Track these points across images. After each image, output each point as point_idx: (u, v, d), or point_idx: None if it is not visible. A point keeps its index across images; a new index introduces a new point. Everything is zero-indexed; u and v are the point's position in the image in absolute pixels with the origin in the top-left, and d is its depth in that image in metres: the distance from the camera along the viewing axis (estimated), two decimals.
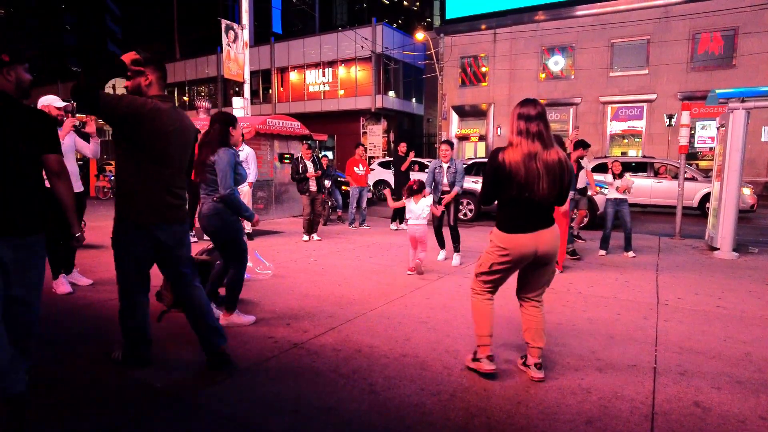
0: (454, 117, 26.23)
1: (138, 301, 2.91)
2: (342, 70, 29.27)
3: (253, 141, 10.45)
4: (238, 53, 14.23)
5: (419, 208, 5.70)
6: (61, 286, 4.66)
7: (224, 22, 14.23)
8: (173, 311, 4.08)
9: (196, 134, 3.08)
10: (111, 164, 26.99)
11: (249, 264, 5.40)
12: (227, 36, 13.99)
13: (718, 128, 8.05)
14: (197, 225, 7.51)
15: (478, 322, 2.95)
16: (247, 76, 14.37)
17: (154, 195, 2.76)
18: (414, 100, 32.23)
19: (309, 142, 10.95)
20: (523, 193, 2.68)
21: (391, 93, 29.59)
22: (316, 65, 30.37)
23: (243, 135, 8.26)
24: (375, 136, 28.31)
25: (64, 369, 3.01)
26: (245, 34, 14.41)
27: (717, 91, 7.33)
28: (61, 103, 4.48)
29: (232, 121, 3.69)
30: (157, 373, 2.94)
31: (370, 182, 17.11)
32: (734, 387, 2.83)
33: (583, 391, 2.75)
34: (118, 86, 18.37)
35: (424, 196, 5.78)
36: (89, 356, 3.18)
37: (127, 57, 2.66)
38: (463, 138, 26.62)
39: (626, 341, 3.56)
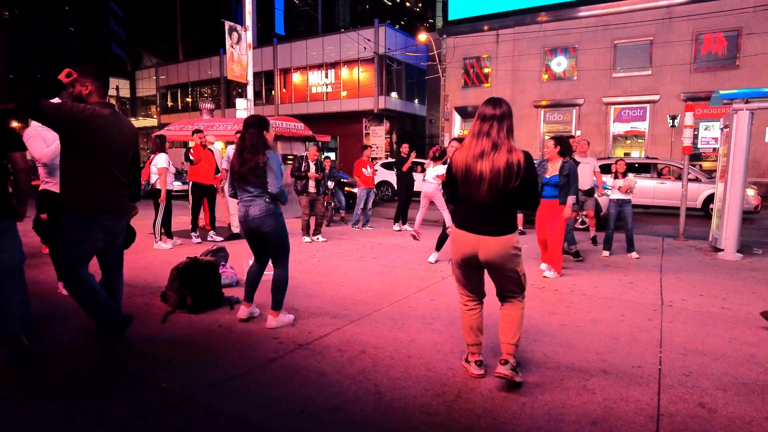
0: (457, 118, 26.22)
1: (83, 275, 3.08)
2: (345, 72, 29.30)
3: None
4: (241, 54, 14.25)
5: (433, 172, 6.70)
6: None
7: (227, 24, 14.26)
8: (178, 312, 4.11)
9: (136, 135, 3.34)
10: None
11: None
12: (230, 37, 14.01)
13: (722, 129, 8.03)
14: (201, 225, 7.45)
15: (462, 330, 2.97)
16: (250, 78, 14.38)
17: (101, 189, 3.07)
18: (416, 101, 32.25)
19: (317, 143, 10.98)
20: (468, 193, 2.66)
21: (394, 94, 29.61)
22: (319, 66, 30.41)
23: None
24: (377, 137, 28.32)
25: (69, 365, 3.03)
26: (248, 36, 14.44)
27: (721, 92, 7.31)
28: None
29: (266, 124, 3.79)
30: (164, 373, 2.95)
31: None
32: (740, 388, 2.83)
33: (588, 392, 2.75)
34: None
35: (444, 163, 6.56)
36: (94, 354, 3.20)
37: (62, 75, 2.96)
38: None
39: (631, 342, 3.56)
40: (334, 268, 6.03)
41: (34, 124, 4.23)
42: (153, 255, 6.66)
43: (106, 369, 3.03)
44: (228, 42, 14.08)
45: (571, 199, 5.64)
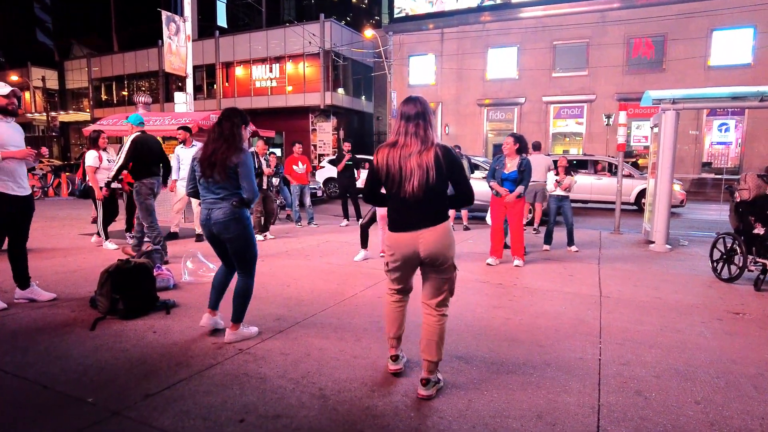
0: None
1: None
2: (290, 66, 28.77)
3: (196, 138, 10.04)
4: (180, 46, 13.66)
5: None
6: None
7: (165, 14, 13.62)
8: (109, 318, 3.84)
9: None
10: (42, 161, 25.26)
11: (190, 266, 5.18)
12: (168, 28, 13.39)
13: (651, 128, 8.48)
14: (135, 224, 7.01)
15: (385, 322, 2.91)
16: (189, 70, 13.83)
17: None
18: (364, 97, 32.15)
19: (264, 138, 10.67)
20: (399, 192, 2.63)
21: (341, 90, 29.38)
22: (263, 60, 29.69)
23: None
24: (324, 134, 28.01)
25: None
26: (188, 27, 13.85)
27: (650, 93, 7.71)
28: (6, 89, 3.97)
29: (246, 119, 3.41)
30: (92, 386, 2.72)
31: (320, 180, 16.89)
32: (672, 374, 2.96)
33: (532, 386, 2.78)
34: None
35: None
36: (11, 370, 2.91)
37: None
38: None
39: (572, 335, 3.65)
40: (279, 268, 5.86)
41: None
42: (93, 256, 6.22)
43: (23, 386, 2.76)
44: (165, 33, 13.46)
45: (520, 189, 5.93)
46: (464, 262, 6.25)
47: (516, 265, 6.06)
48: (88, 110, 37.77)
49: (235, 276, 3.51)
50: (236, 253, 3.39)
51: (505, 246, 7.18)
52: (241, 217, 3.32)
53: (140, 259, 4.28)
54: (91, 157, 6.99)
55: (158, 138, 6.83)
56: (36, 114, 39.71)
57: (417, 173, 2.55)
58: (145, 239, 6.13)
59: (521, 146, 6.01)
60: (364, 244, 6.41)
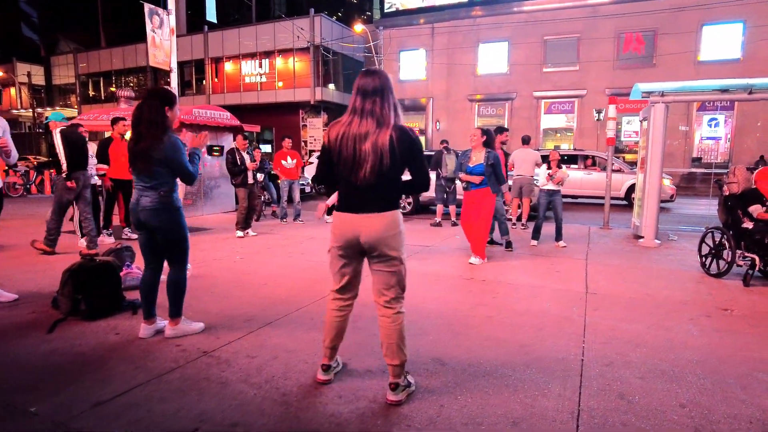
0: None
1: None
2: (279, 62, 28.47)
3: (178, 133, 9.80)
4: (164, 40, 13.34)
5: None
6: None
7: (147, 6, 13.27)
8: (70, 320, 3.64)
9: None
10: (26, 158, 24.83)
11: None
12: (151, 21, 13.06)
13: (641, 121, 8.36)
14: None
15: (324, 330, 2.66)
16: (174, 65, 13.48)
17: None
18: None
19: (244, 133, 10.46)
20: (350, 176, 2.41)
21: (332, 86, 29.12)
22: (252, 56, 29.36)
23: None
24: (315, 129, 27.77)
25: None
26: (172, 20, 13.55)
27: (639, 85, 7.58)
28: None
29: (171, 99, 3.17)
30: (39, 394, 2.54)
31: (308, 176, 16.67)
32: (657, 376, 2.81)
33: (509, 390, 2.62)
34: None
35: None
36: None
37: None
38: None
39: (556, 333, 3.50)
40: (258, 265, 5.68)
41: None
42: (66, 255, 6.00)
43: None
44: (149, 26, 13.12)
45: (505, 187, 5.74)
46: (449, 259, 6.10)
47: (471, 263, 5.82)
48: (75, 107, 37.22)
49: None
50: (166, 244, 3.25)
51: (491, 241, 7.06)
52: (170, 206, 3.18)
53: (106, 257, 4.08)
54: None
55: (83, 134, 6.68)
56: (22, 110, 39.11)
57: (371, 158, 2.34)
58: (123, 236, 5.97)
59: (488, 140, 5.85)
60: None
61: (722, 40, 19.67)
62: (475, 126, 23.55)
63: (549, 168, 7.08)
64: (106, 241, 7.09)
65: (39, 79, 40.03)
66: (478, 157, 5.81)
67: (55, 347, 3.17)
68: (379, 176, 2.36)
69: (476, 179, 5.76)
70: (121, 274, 4.45)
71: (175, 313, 3.34)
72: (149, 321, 3.40)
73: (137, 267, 4.71)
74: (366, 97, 2.39)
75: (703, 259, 5.56)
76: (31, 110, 37.27)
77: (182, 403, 2.46)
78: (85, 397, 2.51)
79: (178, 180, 3.31)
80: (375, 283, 2.52)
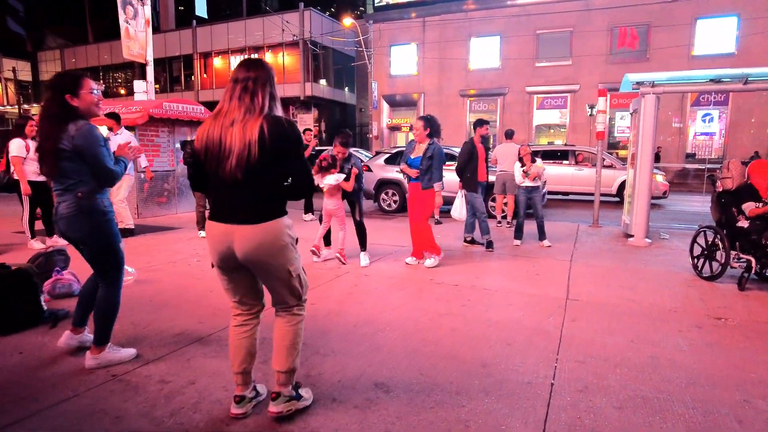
0: (385, 106, 25.72)
1: None
2: (269, 56, 27.94)
3: (149, 127, 9.34)
4: (138, 31, 12.86)
5: (324, 185, 5.28)
6: None
7: None
8: None
9: None
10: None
11: None
12: (124, 12, 12.58)
13: (631, 113, 7.95)
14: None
15: (230, 352, 2.28)
16: (150, 57, 13.05)
17: None
18: (346, 89, 31.43)
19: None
20: (218, 171, 2.05)
21: (322, 81, 28.64)
22: (242, 51, 28.86)
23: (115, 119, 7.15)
24: (305, 126, 27.26)
25: None
26: (147, 11, 13.06)
27: (629, 76, 7.17)
28: None
29: (73, 84, 2.62)
30: None
31: None
32: (638, 405, 2.39)
33: (460, 424, 2.19)
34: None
35: (332, 174, 5.25)
36: None
37: None
38: (394, 128, 26.20)
39: (526, 349, 3.07)
40: (211, 270, 5.21)
41: None
42: (13, 257, 5.53)
43: None
44: (122, 17, 12.63)
45: (437, 186, 5.20)
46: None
47: (427, 266, 5.32)
48: None
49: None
50: (90, 257, 2.73)
51: (472, 241, 6.63)
52: (92, 211, 2.65)
53: (22, 264, 3.63)
54: (15, 147, 6.26)
55: None
56: (8, 107, 38.42)
57: (237, 148, 1.95)
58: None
59: (432, 130, 5.27)
60: (326, 242, 5.81)
61: (716, 34, 19.28)
62: (468, 122, 23.18)
63: (522, 165, 6.64)
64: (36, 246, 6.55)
65: (26, 74, 39.34)
66: (419, 150, 5.28)
67: None
68: (248, 172, 1.97)
69: (413, 173, 5.27)
70: (49, 281, 4.02)
71: (100, 339, 2.78)
72: (76, 330, 2.97)
73: (71, 273, 4.25)
74: (237, 83, 2.07)
75: (695, 260, 5.15)
76: (17, 107, 36.57)
77: None
78: None
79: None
80: (268, 291, 2.21)
